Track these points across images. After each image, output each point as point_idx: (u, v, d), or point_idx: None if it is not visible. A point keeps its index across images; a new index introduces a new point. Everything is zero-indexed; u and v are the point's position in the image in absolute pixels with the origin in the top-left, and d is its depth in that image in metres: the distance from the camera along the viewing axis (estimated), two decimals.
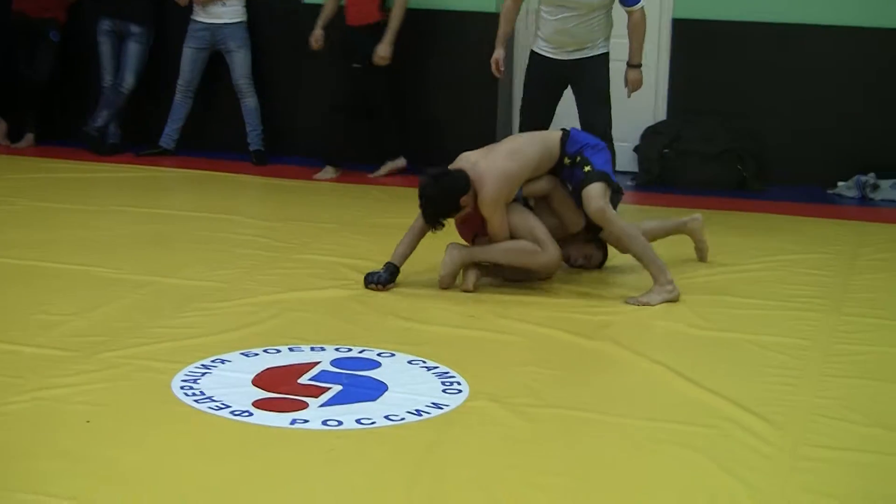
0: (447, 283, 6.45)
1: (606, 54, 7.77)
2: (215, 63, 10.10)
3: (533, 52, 7.82)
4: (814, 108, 9.52)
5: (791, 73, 9.56)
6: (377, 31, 9.45)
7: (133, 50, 10.14)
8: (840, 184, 9.38)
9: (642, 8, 7.70)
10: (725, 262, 7.11)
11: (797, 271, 7.02)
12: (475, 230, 6.58)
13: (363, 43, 9.45)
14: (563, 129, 6.68)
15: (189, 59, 10.03)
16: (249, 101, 10.01)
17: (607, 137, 7.58)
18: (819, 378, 5.26)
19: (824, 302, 6.42)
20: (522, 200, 6.59)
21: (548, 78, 7.74)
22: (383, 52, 9.41)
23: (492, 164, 6.38)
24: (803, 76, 9.54)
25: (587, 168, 6.47)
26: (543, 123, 7.74)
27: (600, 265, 6.98)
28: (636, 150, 9.78)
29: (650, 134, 9.73)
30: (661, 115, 9.89)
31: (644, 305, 6.26)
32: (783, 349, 5.62)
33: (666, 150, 9.58)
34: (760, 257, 7.28)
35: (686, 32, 9.73)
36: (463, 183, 6.31)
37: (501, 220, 6.40)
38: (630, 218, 7.03)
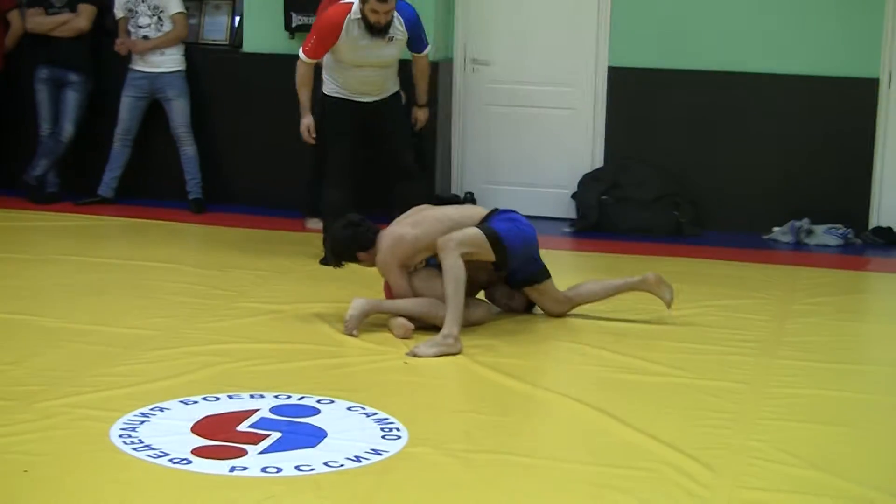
0: (350, 329, 6.44)
1: (399, 91, 8.11)
2: (154, 112, 10.09)
3: (329, 97, 8.02)
4: (749, 155, 9.63)
5: (726, 119, 9.67)
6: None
7: (72, 98, 10.11)
8: (775, 229, 9.49)
9: (428, 53, 8.06)
10: (661, 307, 7.17)
11: (732, 315, 7.09)
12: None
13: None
14: (495, 209, 6.80)
15: (127, 108, 10.02)
16: (188, 150, 10.01)
17: (416, 168, 8.07)
18: (754, 421, 5.31)
19: (759, 345, 6.49)
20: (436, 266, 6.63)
21: (355, 116, 7.96)
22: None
23: (392, 229, 6.63)
24: (738, 123, 9.65)
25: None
26: (355, 153, 8.03)
27: (526, 308, 7.04)
28: (574, 196, 9.84)
29: (588, 181, 9.80)
30: (599, 161, 9.97)
31: (415, 357, 6.12)
32: (718, 392, 5.67)
33: (604, 197, 9.66)
34: (696, 301, 7.34)
35: (622, 80, 9.83)
36: (365, 239, 6.59)
37: (396, 280, 6.57)
38: (578, 275, 7.08)
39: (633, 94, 9.82)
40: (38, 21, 10.09)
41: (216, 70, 10.26)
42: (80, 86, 10.13)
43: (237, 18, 10.35)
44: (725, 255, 8.83)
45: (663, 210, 9.57)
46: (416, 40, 7.95)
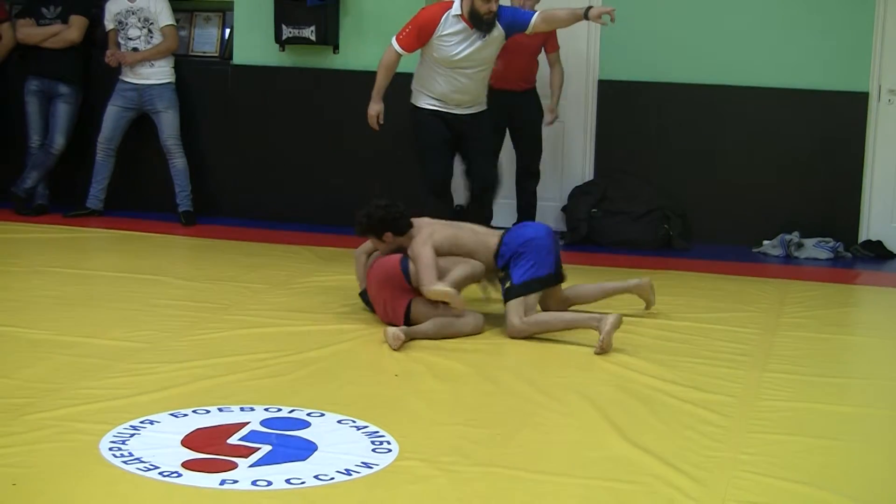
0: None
1: (487, 109, 8.13)
2: (143, 123, 10.08)
3: (422, 110, 7.96)
4: (739, 168, 9.65)
5: (716, 133, 9.69)
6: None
7: (62, 110, 10.10)
8: (765, 242, 9.50)
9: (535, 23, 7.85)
10: (652, 320, 7.17)
11: (723, 328, 7.09)
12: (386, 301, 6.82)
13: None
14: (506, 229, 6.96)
15: (112, 117, 9.98)
16: (178, 162, 9.99)
17: (497, 186, 8.30)
18: (743, 434, 5.31)
19: (749, 359, 6.49)
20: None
21: (446, 129, 7.94)
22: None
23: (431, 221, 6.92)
24: (728, 136, 9.67)
25: (507, 284, 6.73)
26: (449, 166, 8.06)
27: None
28: (564, 209, 9.85)
29: (578, 194, 9.81)
30: (589, 175, 9.98)
31: (605, 344, 6.44)
32: (708, 405, 5.67)
33: (594, 210, 9.66)
34: (686, 315, 7.35)
35: (612, 93, 9.84)
36: (400, 225, 6.80)
37: (427, 252, 6.63)
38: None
39: (623, 107, 9.83)
40: (29, 32, 10.08)
41: (206, 82, 10.25)
42: (71, 97, 10.11)
43: (227, 31, 10.34)
44: (715, 269, 8.83)
45: (653, 223, 9.57)
46: (518, 19, 7.74)
